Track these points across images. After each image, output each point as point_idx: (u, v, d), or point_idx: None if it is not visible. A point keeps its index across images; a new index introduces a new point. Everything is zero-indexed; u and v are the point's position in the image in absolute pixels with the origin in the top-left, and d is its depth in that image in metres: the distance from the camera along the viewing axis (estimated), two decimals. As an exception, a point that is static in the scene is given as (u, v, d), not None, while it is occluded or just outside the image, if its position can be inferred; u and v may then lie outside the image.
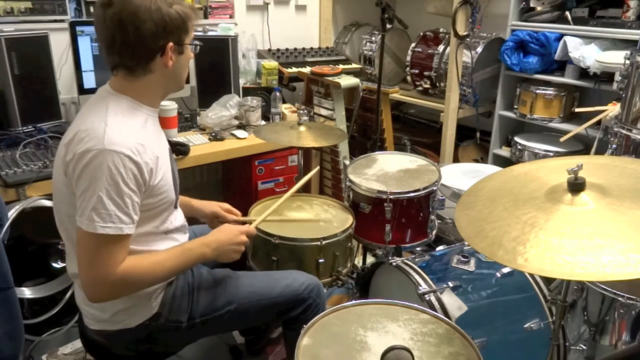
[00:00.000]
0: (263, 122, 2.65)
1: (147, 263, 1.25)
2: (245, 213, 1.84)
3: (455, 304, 1.55)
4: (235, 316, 1.47)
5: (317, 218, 1.89)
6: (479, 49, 3.04)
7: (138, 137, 1.21)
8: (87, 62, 2.31)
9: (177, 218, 1.43)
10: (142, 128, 1.26)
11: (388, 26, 2.40)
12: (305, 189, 2.99)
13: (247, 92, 2.76)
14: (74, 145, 1.18)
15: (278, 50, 3.14)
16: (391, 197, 1.92)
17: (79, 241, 1.19)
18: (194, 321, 1.41)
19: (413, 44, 3.32)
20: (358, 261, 2.26)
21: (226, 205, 1.67)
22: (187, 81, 2.64)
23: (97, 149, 1.15)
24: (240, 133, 2.51)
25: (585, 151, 2.87)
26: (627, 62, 2.11)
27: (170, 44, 1.25)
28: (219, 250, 1.38)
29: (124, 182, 1.16)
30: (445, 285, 1.57)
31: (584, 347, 1.73)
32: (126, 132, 1.20)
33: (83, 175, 1.15)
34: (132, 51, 1.23)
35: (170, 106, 2.35)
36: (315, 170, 2.02)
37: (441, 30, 3.28)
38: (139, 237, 1.28)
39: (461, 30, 2.95)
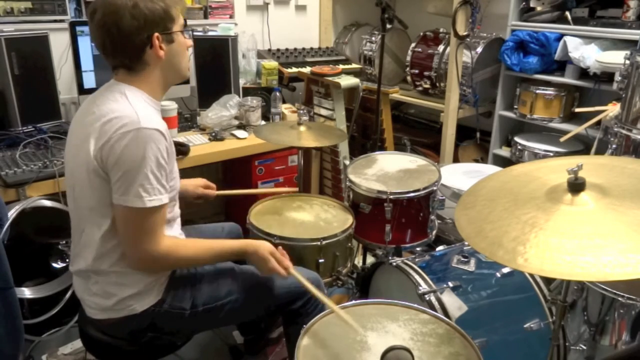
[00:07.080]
0: (263, 122, 2.65)
1: (188, 251, 1.37)
2: (245, 213, 1.87)
3: (455, 304, 1.55)
4: (237, 307, 1.50)
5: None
6: (479, 49, 3.04)
7: (160, 121, 1.29)
8: (87, 62, 2.31)
9: (176, 208, 1.49)
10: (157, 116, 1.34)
11: (388, 26, 2.40)
12: (305, 189, 3.00)
13: (247, 92, 2.76)
14: (108, 129, 1.23)
15: (278, 50, 3.14)
16: (391, 197, 1.92)
17: (124, 219, 1.26)
18: (196, 309, 1.44)
19: (413, 44, 3.31)
20: (358, 261, 2.26)
21: (203, 181, 1.84)
22: (188, 81, 2.65)
23: (135, 128, 1.21)
24: (240, 133, 2.51)
25: (585, 151, 2.87)
26: (627, 62, 2.11)
27: (156, 34, 1.29)
28: (257, 263, 1.45)
29: (162, 157, 1.25)
30: (445, 285, 1.58)
31: (584, 347, 1.73)
32: (152, 113, 1.29)
33: (125, 155, 1.21)
34: (122, 50, 1.29)
35: (170, 106, 2.34)
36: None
37: (441, 30, 3.27)
38: None
39: (461, 30, 2.95)
